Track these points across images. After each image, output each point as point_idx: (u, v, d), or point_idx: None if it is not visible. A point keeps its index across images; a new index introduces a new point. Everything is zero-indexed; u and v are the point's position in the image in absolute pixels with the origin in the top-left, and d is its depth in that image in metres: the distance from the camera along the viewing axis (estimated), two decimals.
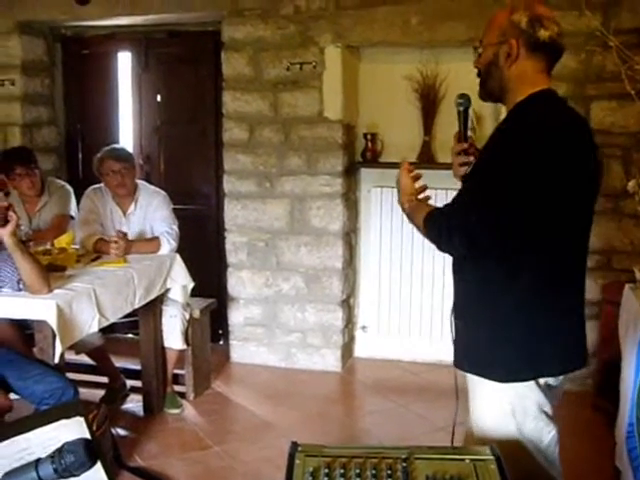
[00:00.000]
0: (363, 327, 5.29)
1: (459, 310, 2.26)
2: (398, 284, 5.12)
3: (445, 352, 4.92)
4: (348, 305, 5.16)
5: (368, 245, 5.21)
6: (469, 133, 2.39)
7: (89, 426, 1.69)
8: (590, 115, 4.40)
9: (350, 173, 5.02)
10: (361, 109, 5.10)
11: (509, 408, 2.14)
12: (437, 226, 2.07)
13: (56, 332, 3.23)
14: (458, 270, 2.26)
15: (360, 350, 5.32)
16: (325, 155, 4.83)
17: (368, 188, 5.14)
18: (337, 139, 4.81)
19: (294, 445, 2.08)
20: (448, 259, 4.94)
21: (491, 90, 2.20)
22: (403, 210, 2.30)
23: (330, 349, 5.04)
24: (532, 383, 2.14)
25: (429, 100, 4.86)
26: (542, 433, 2.18)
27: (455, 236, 2.01)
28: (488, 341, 2.14)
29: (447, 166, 4.65)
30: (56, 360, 3.28)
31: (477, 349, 2.18)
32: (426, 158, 4.90)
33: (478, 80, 2.23)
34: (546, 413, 2.18)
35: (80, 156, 5.62)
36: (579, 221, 2.13)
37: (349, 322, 5.20)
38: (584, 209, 2.13)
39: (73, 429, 1.67)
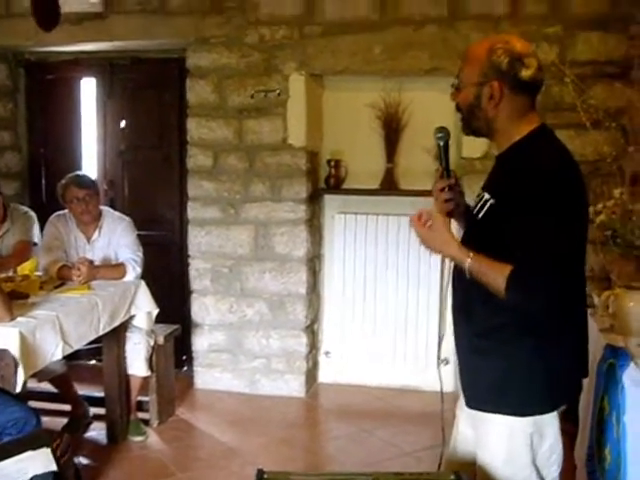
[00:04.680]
0: (326, 352, 5.31)
1: (473, 347, 2.22)
2: (361, 309, 5.15)
3: (409, 376, 5.05)
4: (312, 331, 5.18)
5: (332, 271, 5.25)
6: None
7: (56, 457, 1.70)
8: None
9: (314, 199, 5.07)
10: (325, 136, 5.16)
11: (528, 440, 2.13)
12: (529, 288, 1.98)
13: (18, 361, 3.19)
14: (481, 309, 2.17)
15: (324, 375, 5.34)
16: (289, 182, 4.87)
17: (332, 214, 5.19)
18: (301, 166, 4.86)
19: (260, 472, 2.09)
20: (412, 285, 5.00)
21: (477, 129, 2.21)
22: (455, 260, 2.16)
23: (294, 375, 5.05)
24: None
25: (392, 128, 4.94)
26: (553, 458, 2.20)
27: (541, 297, 1.98)
28: (508, 376, 2.12)
29: (409, 193, 4.81)
30: (18, 389, 3.24)
31: (494, 386, 2.15)
32: (389, 185, 4.97)
33: (460, 115, 2.23)
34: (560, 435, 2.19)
35: (43, 181, 5.59)
36: (584, 250, 2.17)
37: (313, 347, 5.22)
38: (586, 238, 2.17)
39: (40, 461, 1.68)
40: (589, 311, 3.56)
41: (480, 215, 2.16)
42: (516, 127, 2.13)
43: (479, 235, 2.14)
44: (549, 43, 4.44)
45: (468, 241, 2.21)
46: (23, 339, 3.23)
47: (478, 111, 2.14)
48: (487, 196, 2.16)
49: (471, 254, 2.04)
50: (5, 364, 3.29)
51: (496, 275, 1.99)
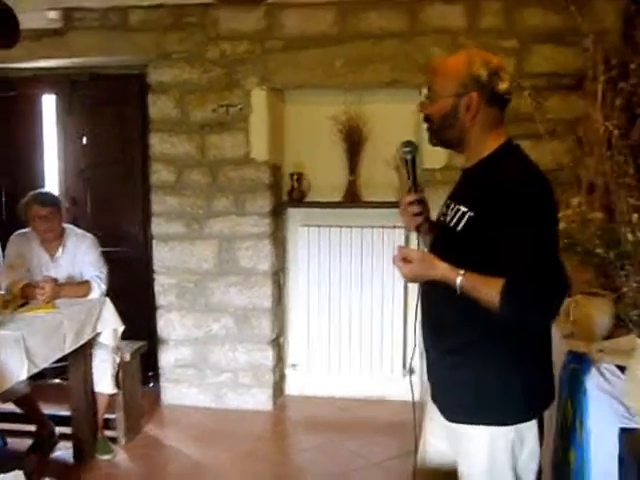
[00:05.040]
0: (293, 365, 5.33)
1: (446, 362, 2.24)
2: (327, 321, 5.18)
3: (375, 387, 5.08)
4: (278, 344, 5.19)
5: (296, 283, 5.27)
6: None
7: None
8: None
9: (278, 213, 5.09)
10: (287, 150, 5.19)
11: (509, 448, 2.16)
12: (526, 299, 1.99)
13: None
14: (453, 323, 2.20)
15: (291, 388, 5.36)
16: (252, 196, 4.89)
17: (295, 227, 5.22)
18: (264, 180, 4.88)
19: None
20: (375, 296, 5.04)
21: (448, 140, 2.24)
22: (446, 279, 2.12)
23: (261, 388, 5.06)
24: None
25: (353, 140, 4.99)
26: (532, 464, 2.23)
27: (536, 308, 2.00)
28: (487, 387, 2.14)
29: (372, 205, 4.86)
30: None
31: (474, 398, 2.17)
32: (351, 197, 5.01)
33: (427, 126, 2.26)
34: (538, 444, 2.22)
35: (3, 200, 5.52)
36: None
37: (279, 361, 5.23)
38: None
39: None
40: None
41: (459, 227, 2.16)
42: (487, 140, 2.17)
43: (458, 247, 2.15)
44: (506, 56, 4.52)
45: (442, 252, 2.20)
46: None
47: (453, 122, 2.17)
48: (464, 209, 2.16)
49: (461, 271, 2.05)
50: None
51: (489, 290, 2.00)
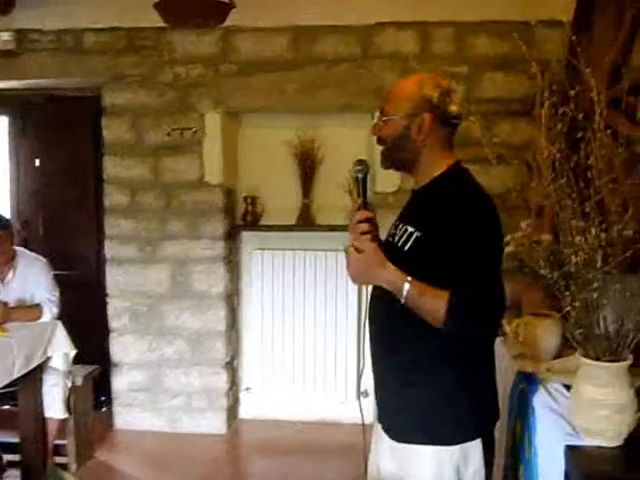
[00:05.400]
0: (247, 388, 5.31)
1: (394, 380, 2.25)
2: (280, 344, 5.17)
3: (329, 410, 5.09)
4: (232, 367, 5.18)
5: (250, 307, 5.26)
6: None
7: None
8: None
9: (231, 236, 5.10)
10: (241, 173, 5.21)
11: (454, 467, 2.16)
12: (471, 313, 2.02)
13: None
14: (401, 340, 2.21)
15: (245, 412, 5.33)
16: (206, 219, 4.90)
17: (249, 251, 5.22)
18: (218, 203, 4.89)
19: None
20: (330, 318, 5.06)
21: (400, 161, 2.27)
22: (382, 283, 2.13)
23: (215, 412, 5.03)
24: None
25: (307, 164, 5.03)
26: None
27: (480, 320, 2.03)
28: (433, 406, 2.15)
29: (326, 228, 4.89)
30: None
31: (421, 418, 2.17)
32: (305, 221, 5.04)
33: (382, 149, 2.28)
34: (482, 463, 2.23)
35: None
36: None
37: (233, 384, 5.21)
38: None
39: None
40: (500, 339, 3.71)
41: (406, 247, 2.19)
42: (437, 162, 2.21)
43: (405, 267, 2.14)
44: (457, 81, 4.59)
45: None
46: None
47: (406, 143, 2.20)
48: (411, 229, 2.19)
49: (409, 278, 2.05)
50: None
51: (436, 300, 2.01)
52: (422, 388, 2.17)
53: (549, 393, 2.88)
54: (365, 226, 2.29)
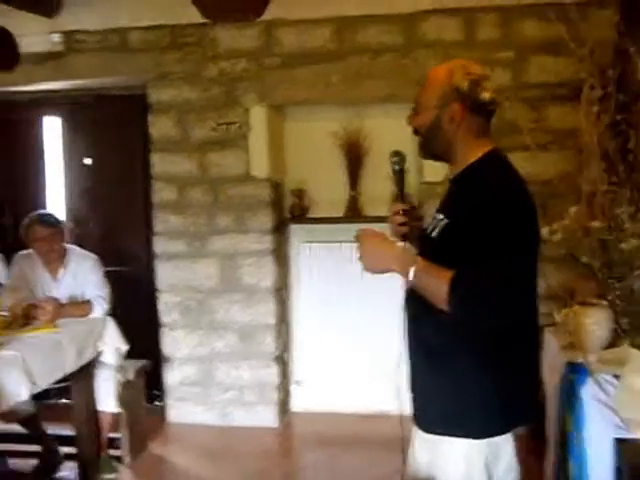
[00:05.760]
0: (297, 381, 5.32)
1: (425, 370, 2.23)
2: (330, 337, 5.18)
3: (381, 402, 5.05)
4: (282, 360, 5.19)
5: (300, 300, 5.28)
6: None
7: None
8: None
9: (280, 230, 5.10)
10: (288, 166, 5.21)
11: (483, 463, 2.13)
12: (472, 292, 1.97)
13: None
14: (431, 330, 2.18)
15: (296, 404, 5.34)
16: (254, 213, 4.91)
17: (298, 244, 5.22)
18: (265, 197, 4.90)
19: None
20: (380, 310, 5.02)
21: (436, 151, 2.25)
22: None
23: (266, 405, 5.05)
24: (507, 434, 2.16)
25: (354, 155, 5.00)
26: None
27: (485, 308, 1.97)
28: (462, 398, 2.12)
29: (374, 219, 4.86)
30: None
31: (449, 410, 2.15)
32: (353, 212, 5.02)
33: (418, 139, 2.27)
34: (515, 459, 2.20)
35: (7, 220, 5.54)
36: (536, 272, 2.20)
37: (284, 377, 5.22)
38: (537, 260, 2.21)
39: None
40: (550, 329, 3.63)
41: (434, 235, 2.19)
42: (472, 150, 2.18)
43: (432, 254, 2.14)
44: (502, 67, 4.54)
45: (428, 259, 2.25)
46: None
47: (438, 133, 2.19)
48: (441, 216, 2.19)
49: (418, 258, 2.05)
50: None
51: (439, 280, 1.99)
52: (450, 380, 2.14)
53: (599, 384, 2.81)
54: (401, 218, 2.30)
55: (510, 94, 4.44)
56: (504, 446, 2.17)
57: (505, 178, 2.11)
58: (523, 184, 2.13)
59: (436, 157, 2.31)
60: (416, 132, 2.28)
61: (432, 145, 2.25)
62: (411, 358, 2.31)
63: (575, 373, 2.98)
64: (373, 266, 2.15)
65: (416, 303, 2.23)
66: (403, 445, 2.39)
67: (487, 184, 2.07)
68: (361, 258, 2.15)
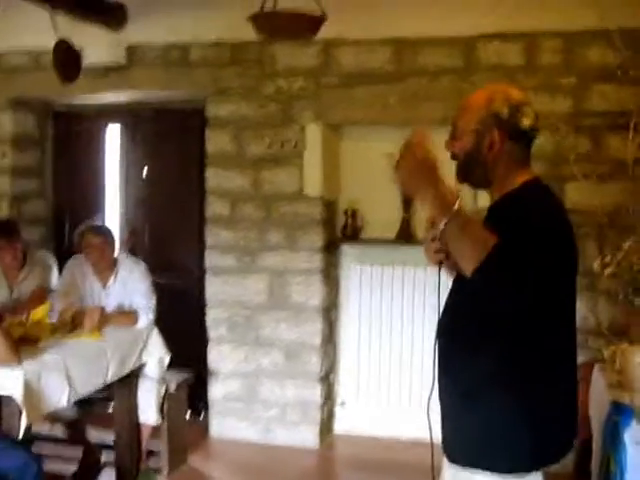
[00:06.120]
0: (342, 403, 5.26)
1: (454, 404, 2.16)
2: (378, 360, 5.11)
3: (426, 429, 4.94)
4: (327, 381, 5.14)
5: (348, 321, 5.22)
6: None
7: None
8: (565, 194, 4.48)
9: (331, 249, 5.07)
10: (343, 186, 5.18)
11: None
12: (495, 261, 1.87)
13: (22, 407, 3.22)
14: (455, 364, 2.13)
15: (340, 426, 5.28)
16: (305, 231, 4.89)
17: (349, 264, 5.18)
18: (316, 215, 4.88)
19: None
20: (428, 335, 4.93)
21: (474, 178, 2.19)
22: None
23: (309, 425, 5.00)
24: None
25: None
26: None
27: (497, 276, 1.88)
28: (491, 435, 2.05)
29: None
30: (20, 435, 3.26)
31: (477, 442, 2.08)
32: (405, 235, 4.95)
33: (456, 164, 2.20)
34: None
35: (67, 228, 5.64)
36: (572, 302, 2.14)
37: (328, 398, 5.17)
38: (574, 289, 2.14)
39: None
40: (598, 366, 3.51)
41: None
42: (511, 178, 2.11)
43: (466, 282, 2.10)
44: (563, 94, 4.44)
45: (456, 291, 2.21)
46: (27, 385, 3.27)
47: (476, 160, 2.12)
48: None
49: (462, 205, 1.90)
50: (9, 411, 3.34)
51: (484, 232, 1.89)
52: (478, 413, 2.06)
53: None
54: (437, 244, 2.23)
55: (570, 122, 4.37)
56: None
57: (544, 204, 2.04)
58: (563, 212, 2.07)
59: (473, 183, 2.24)
60: (454, 157, 2.22)
61: (470, 171, 2.18)
62: (441, 386, 2.24)
63: (620, 414, 2.87)
64: (410, 180, 1.99)
65: (449, 332, 2.18)
66: (433, 475, 2.32)
67: (525, 209, 1.99)
68: (401, 165, 2.00)
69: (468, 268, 1.89)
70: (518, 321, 2.01)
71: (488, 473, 2.06)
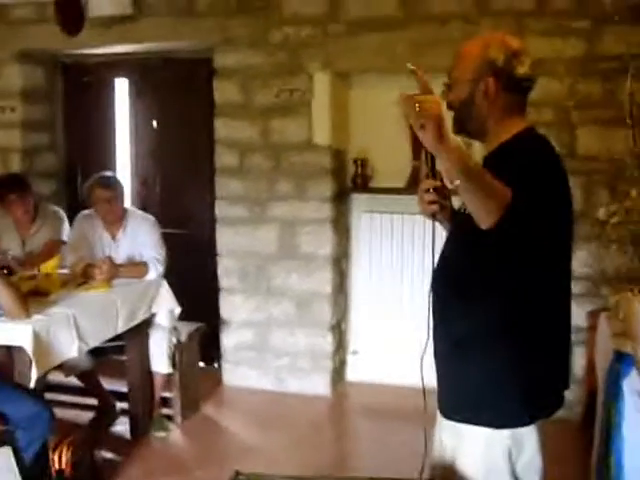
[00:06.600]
0: (354, 351, 5.31)
1: (448, 355, 2.18)
2: (389, 308, 5.13)
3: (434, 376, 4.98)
4: (339, 329, 5.18)
5: (359, 270, 5.23)
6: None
7: (16, 455, 1.74)
8: (576, 141, 4.42)
9: (340, 199, 5.06)
10: (352, 135, 5.14)
11: (506, 452, 2.08)
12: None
13: (32, 358, 3.29)
14: (450, 313, 2.16)
15: (352, 374, 5.33)
16: (314, 181, 4.87)
17: (359, 213, 5.17)
18: (326, 165, 4.85)
19: (236, 474, 2.11)
20: None
21: (469, 128, 2.16)
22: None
23: (320, 373, 5.06)
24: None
25: None
26: (533, 469, 2.15)
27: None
28: (484, 386, 2.07)
29: None
30: (32, 384, 3.33)
31: (471, 395, 2.10)
32: (415, 183, 4.91)
33: (452, 115, 2.18)
34: (540, 448, 2.14)
35: (79, 181, 5.65)
36: (569, 252, 2.15)
37: (340, 346, 5.21)
38: (571, 240, 2.14)
39: (0, 459, 1.72)
40: (604, 314, 3.49)
41: (466, 211, 2.06)
42: (505, 128, 2.09)
43: (467, 231, 2.08)
44: (576, 37, 4.34)
45: (455, 241, 2.20)
46: (37, 337, 3.34)
47: (471, 109, 2.11)
48: None
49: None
50: (21, 360, 3.40)
51: (498, 189, 1.83)
52: (471, 367, 2.08)
53: None
54: (431, 195, 2.20)
55: (582, 66, 4.28)
56: (528, 436, 2.10)
57: (540, 154, 2.02)
58: (559, 161, 2.05)
59: (470, 134, 2.21)
60: (450, 107, 2.19)
61: (465, 121, 2.15)
62: (436, 340, 2.25)
63: (621, 363, 2.86)
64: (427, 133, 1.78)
65: (444, 284, 2.18)
66: (425, 425, 2.34)
67: (522, 159, 1.97)
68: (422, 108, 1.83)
69: (489, 221, 1.85)
70: (518, 273, 2.01)
71: (483, 428, 2.08)
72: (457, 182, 1.83)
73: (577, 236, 4.28)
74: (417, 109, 1.79)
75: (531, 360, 2.05)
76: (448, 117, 1.94)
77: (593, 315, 4.31)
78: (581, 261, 4.40)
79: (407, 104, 1.83)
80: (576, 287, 4.34)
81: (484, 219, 1.86)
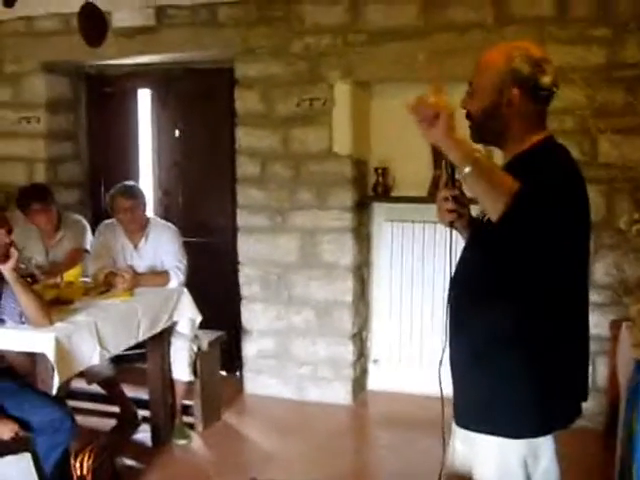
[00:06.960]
0: (375, 360, 5.30)
1: (464, 363, 2.18)
2: (410, 317, 5.12)
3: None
4: (360, 338, 5.17)
5: (380, 279, 5.23)
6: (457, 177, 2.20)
7: (36, 462, 1.76)
8: (597, 149, 4.39)
9: (361, 207, 5.06)
10: (373, 144, 5.14)
11: (521, 461, 2.07)
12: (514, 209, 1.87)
13: (54, 365, 3.32)
14: (467, 321, 2.16)
15: (372, 383, 5.32)
16: (335, 190, 4.88)
17: (380, 222, 5.17)
18: (346, 174, 4.86)
19: None
20: None
21: (489, 137, 2.18)
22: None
23: (341, 382, 5.05)
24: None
25: None
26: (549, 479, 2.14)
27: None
28: (500, 396, 2.06)
29: None
30: (54, 392, 3.37)
31: (485, 405, 2.10)
32: (436, 191, 4.90)
33: (469, 122, 2.20)
34: (556, 458, 2.13)
35: (103, 190, 5.69)
36: (587, 261, 2.15)
37: (361, 355, 5.21)
38: (588, 249, 2.14)
39: (20, 466, 1.73)
40: (625, 324, 3.47)
41: (485, 219, 2.10)
42: (526, 136, 2.11)
43: (483, 239, 2.10)
44: (598, 45, 4.32)
45: (472, 248, 2.20)
46: (59, 344, 3.37)
47: (494, 118, 2.11)
48: None
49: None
50: (44, 367, 3.44)
51: (504, 179, 1.87)
52: (488, 376, 2.08)
53: None
54: (450, 204, 2.22)
55: (604, 74, 4.26)
56: (544, 447, 2.09)
57: (559, 162, 2.03)
58: (578, 170, 2.05)
59: (488, 142, 2.23)
60: (468, 116, 2.20)
61: (485, 130, 2.16)
62: (452, 349, 2.25)
63: None
64: (429, 128, 1.95)
65: (463, 294, 2.18)
66: (443, 435, 2.33)
67: (541, 167, 1.98)
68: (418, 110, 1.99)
69: (496, 211, 1.87)
70: (535, 281, 2.01)
71: (496, 438, 2.07)
72: (467, 169, 1.88)
73: (599, 245, 4.31)
74: (428, 102, 1.94)
75: (548, 370, 2.04)
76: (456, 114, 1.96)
77: (615, 324, 4.27)
78: (603, 270, 4.38)
79: (418, 102, 1.98)
80: (599, 296, 4.38)
81: (491, 209, 1.89)
